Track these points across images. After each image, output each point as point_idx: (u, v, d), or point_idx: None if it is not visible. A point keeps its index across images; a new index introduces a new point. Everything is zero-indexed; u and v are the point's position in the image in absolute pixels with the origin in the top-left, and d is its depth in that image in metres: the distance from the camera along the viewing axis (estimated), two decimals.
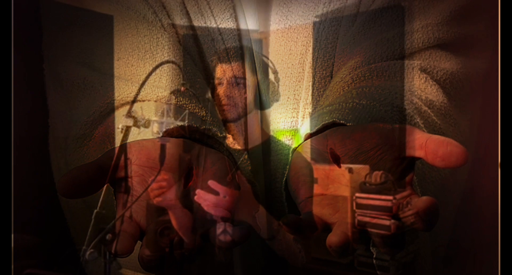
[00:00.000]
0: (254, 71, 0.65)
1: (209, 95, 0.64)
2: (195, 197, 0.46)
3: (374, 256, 0.49)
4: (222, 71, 0.63)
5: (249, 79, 0.64)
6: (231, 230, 0.42)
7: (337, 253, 0.40)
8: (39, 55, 0.65)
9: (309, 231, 0.43)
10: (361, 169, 0.43)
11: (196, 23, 0.65)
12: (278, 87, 0.65)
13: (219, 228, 0.43)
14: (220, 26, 0.64)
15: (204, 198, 0.46)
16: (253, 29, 0.66)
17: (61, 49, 0.65)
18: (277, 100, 0.65)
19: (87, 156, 0.61)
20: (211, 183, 0.46)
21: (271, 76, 0.65)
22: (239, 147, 0.64)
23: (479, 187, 0.61)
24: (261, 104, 0.66)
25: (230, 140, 0.64)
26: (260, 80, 0.65)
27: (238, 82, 0.64)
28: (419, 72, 0.58)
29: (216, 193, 0.46)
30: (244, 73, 0.63)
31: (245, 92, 0.64)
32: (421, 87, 0.57)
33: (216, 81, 0.64)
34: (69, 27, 0.65)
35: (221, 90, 0.63)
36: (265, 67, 0.65)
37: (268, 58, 0.65)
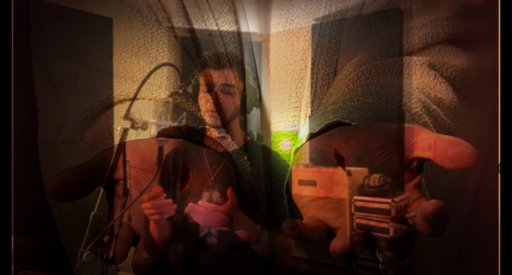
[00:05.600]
0: (242, 77, 0.63)
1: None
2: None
3: (381, 261, 0.48)
4: (211, 78, 0.60)
5: (238, 86, 0.62)
6: (229, 235, 0.41)
7: (341, 259, 0.39)
8: (28, 51, 0.64)
9: (312, 236, 0.41)
10: (362, 171, 0.42)
11: (193, 18, 0.63)
12: (260, 93, 0.63)
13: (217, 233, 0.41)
14: (218, 21, 0.62)
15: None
16: (254, 32, 0.64)
17: (51, 44, 0.64)
18: (257, 106, 0.64)
19: (79, 157, 0.60)
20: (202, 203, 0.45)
21: (252, 82, 0.63)
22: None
23: (489, 190, 0.59)
24: (246, 109, 0.65)
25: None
26: (247, 85, 0.63)
27: (228, 90, 0.61)
28: (427, 68, 0.56)
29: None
30: (233, 80, 0.61)
31: (233, 100, 0.62)
32: (429, 84, 0.55)
33: (204, 87, 0.61)
34: (59, 21, 0.63)
35: (210, 97, 0.61)
36: (251, 71, 0.64)
37: (253, 63, 0.63)
